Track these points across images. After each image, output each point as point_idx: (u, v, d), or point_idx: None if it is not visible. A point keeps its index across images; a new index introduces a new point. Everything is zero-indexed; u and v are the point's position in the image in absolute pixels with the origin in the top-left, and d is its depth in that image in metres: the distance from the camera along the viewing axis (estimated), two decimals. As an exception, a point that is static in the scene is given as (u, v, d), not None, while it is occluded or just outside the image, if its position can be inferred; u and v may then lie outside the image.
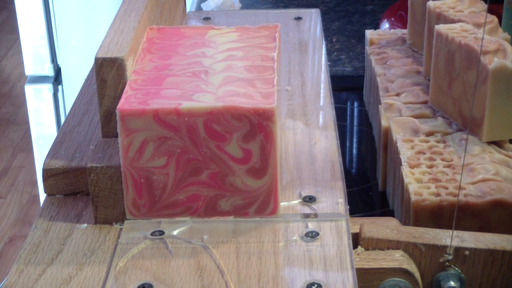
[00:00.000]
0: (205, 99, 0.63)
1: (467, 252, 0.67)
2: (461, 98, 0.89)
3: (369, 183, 0.98)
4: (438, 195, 0.78)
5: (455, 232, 0.68)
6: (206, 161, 0.63)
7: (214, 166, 0.63)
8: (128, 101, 0.63)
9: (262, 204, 0.64)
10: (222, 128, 0.62)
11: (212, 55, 0.70)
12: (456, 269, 0.68)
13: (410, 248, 0.67)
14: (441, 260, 0.68)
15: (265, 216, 0.65)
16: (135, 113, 0.62)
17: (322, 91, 0.87)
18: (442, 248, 0.67)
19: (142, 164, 0.63)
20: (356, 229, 0.68)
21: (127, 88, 0.65)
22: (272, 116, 0.62)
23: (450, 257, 0.68)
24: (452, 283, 0.68)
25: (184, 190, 0.64)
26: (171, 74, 0.67)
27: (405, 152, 0.85)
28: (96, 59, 0.66)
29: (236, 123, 0.62)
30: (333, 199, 0.68)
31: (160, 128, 0.62)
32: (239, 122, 0.62)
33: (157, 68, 0.68)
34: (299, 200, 0.68)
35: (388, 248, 0.67)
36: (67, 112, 0.80)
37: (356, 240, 0.68)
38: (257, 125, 0.62)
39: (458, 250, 0.67)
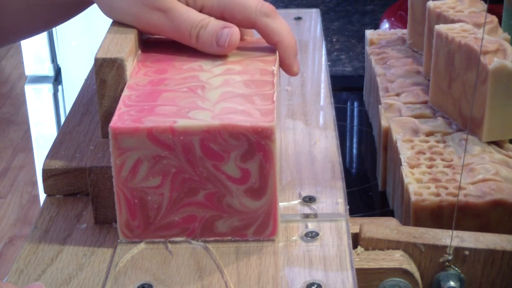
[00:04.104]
0: (202, 116, 0.61)
1: (467, 252, 0.67)
2: (461, 98, 0.89)
3: (369, 183, 0.98)
4: (438, 195, 0.78)
5: (455, 232, 0.68)
6: (203, 181, 0.61)
7: (210, 186, 0.61)
8: (121, 119, 0.61)
9: (261, 226, 0.62)
10: (219, 147, 0.60)
11: (209, 69, 0.68)
12: (456, 269, 0.68)
13: (410, 248, 0.67)
14: (441, 260, 0.68)
15: (263, 238, 0.63)
16: (128, 131, 0.60)
17: (322, 91, 0.87)
18: (442, 248, 0.67)
19: (135, 184, 0.61)
20: (356, 229, 0.68)
21: (120, 105, 0.63)
22: (271, 134, 0.59)
23: (450, 257, 0.68)
24: (452, 283, 0.67)
25: (179, 211, 0.62)
26: (166, 89, 0.65)
27: (405, 152, 0.85)
28: (96, 59, 0.65)
29: (233, 142, 0.60)
30: (333, 199, 0.68)
31: (155, 147, 0.60)
32: (236, 140, 0.60)
33: (152, 83, 0.66)
34: (299, 200, 0.68)
35: (388, 248, 0.67)
36: (67, 112, 0.80)
37: (356, 240, 0.68)
38: (256, 144, 0.60)
39: (458, 250, 0.67)
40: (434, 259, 0.68)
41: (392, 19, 1.43)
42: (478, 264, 0.68)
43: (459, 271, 0.68)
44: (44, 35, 2.16)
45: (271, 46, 0.72)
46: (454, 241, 0.67)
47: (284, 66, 0.72)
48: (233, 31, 0.69)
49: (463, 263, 0.68)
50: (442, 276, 0.68)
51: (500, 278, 0.68)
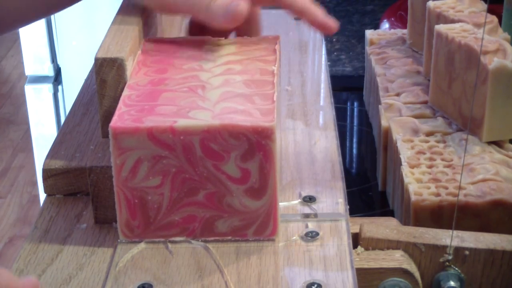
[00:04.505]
0: (202, 116, 0.61)
1: (467, 252, 0.67)
2: (461, 98, 0.89)
3: (369, 183, 0.98)
4: (438, 195, 0.78)
5: (455, 232, 0.68)
6: (203, 181, 0.61)
7: (211, 186, 0.61)
8: (121, 119, 0.61)
9: (261, 226, 0.62)
10: (219, 147, 0.60)
11: (209, 69, 0.68)
12: (456, 269, 0.68)
13: (410, 248, 0.67)
14: (441, 260, 0.68)
15: (264, 238, 0.63)
16: (128, 131, 0.60)
17: (322, 91, 0.87)
18: (442, 248, 0.67)
19: (136, 184, 0.61)
20: (356, 229, 0.68)
21: (120, 104, 0.63)
22: (271, 134, 0.59)
23: (450, 257, 0.68)
24: (452, 283, 0.68)
25: (179, 210, 0.62)
26: (166, 89, 0.65)
27: (405, 152, 0.85)
28: (96, 59, 0.65)
29: (233, 142, 0.60)
30: (333, 199, 0.68)
31: (155, 147, 0.60)
32: (237, 140, 0.60)
33: (152, 83, 0.66)
34: (299, 200, 0.68)
35: (388, 248, 0.67)
36: (67, 112, 0.80)
37: (356, 240, 0.68)
38: (256, 144, 0.60)
39: (458, 250, 0.67)
40: (434, 259, 0.68)
41: (392, 19, 1.43)
42: (478, 264, 0.68)
43: (459, 271, 0.68)
44: (44, 35, 2.16)
45: (272, 46, 0.72)
46: (454, 241, 0.67)
47: (320, 26, 0.72)
48: (241, 3, 0.69)
49: (463, 263, 0.68)
50: (442, 276, 0.68)
51: (500, 278, 0.68)
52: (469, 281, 0.68)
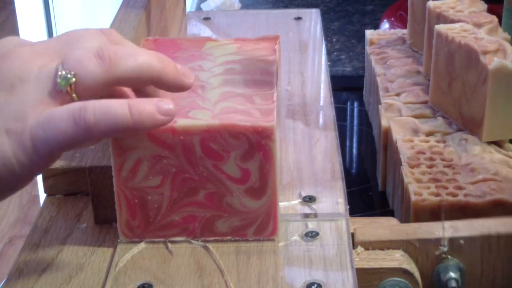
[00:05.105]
0: (202, 116, 0.61)
1: (462, 242, 0.67)
2: (461, 98, 0.89)
3: (369, 183, 0.98)
4: (438, 195, 0.78)
5: (449, 223, 0.68)
6: (203, 181, 0.61)
7: (211, 186, 0.61)
8: None
9: (261, 226, 0.62)
10: (219, 146, 0.60)
11: (209, 69, 0.68)
12: (454, 259, 0.68)
13: (405, 245, 0.67)
14: (436, 252, 0.68)
15: (264, 238, 0.63)
16: None
17: (322, 91, 0.87)
18: (437, 241, 0.67)
19: (136, 184, 0.61)
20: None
21: None
22: (271, 134, 0.59)
23: (445, 249, 0.67)
24: (452, 274, 0.67)
25: (179, 210, 0.62)
26: None
27: (405, 152, 0.85)
28: (96, 59, 0.65)
29: (233, 142, 0.60)
30: (333, 199, 0.68)
31: (155, 146, 0.60)
32: (237, 140, 0.60)
33: None
34: (299, 200, 0.68)
35: (382, 248, 0.67)
36: (67, 112, 0.79)
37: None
38: (256, 144, 0.60)
39: (453, 241, 0.67)
40: (430, 253, 0.68)
41: (392, 19, 1.43)
42: (476, 252, 0.67)
43: (457, 260, 0.68)
44: (44, 35, 2.16)
45: (272, 46, 0.72)
46: (448, 232, 0.67)
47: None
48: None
49: (460, 253, 0.68)
50: (441, 268, 0.68)
51: (500, 263, 0.68)
52: (470, 270, 0.68)
